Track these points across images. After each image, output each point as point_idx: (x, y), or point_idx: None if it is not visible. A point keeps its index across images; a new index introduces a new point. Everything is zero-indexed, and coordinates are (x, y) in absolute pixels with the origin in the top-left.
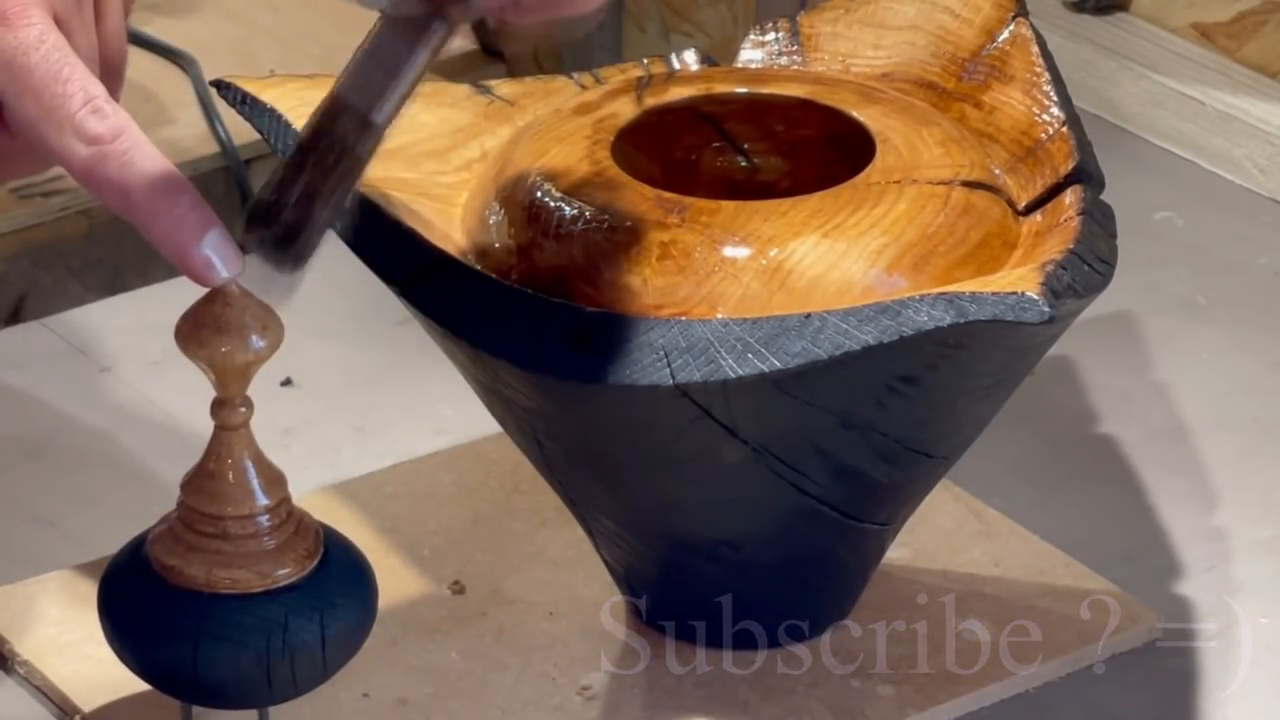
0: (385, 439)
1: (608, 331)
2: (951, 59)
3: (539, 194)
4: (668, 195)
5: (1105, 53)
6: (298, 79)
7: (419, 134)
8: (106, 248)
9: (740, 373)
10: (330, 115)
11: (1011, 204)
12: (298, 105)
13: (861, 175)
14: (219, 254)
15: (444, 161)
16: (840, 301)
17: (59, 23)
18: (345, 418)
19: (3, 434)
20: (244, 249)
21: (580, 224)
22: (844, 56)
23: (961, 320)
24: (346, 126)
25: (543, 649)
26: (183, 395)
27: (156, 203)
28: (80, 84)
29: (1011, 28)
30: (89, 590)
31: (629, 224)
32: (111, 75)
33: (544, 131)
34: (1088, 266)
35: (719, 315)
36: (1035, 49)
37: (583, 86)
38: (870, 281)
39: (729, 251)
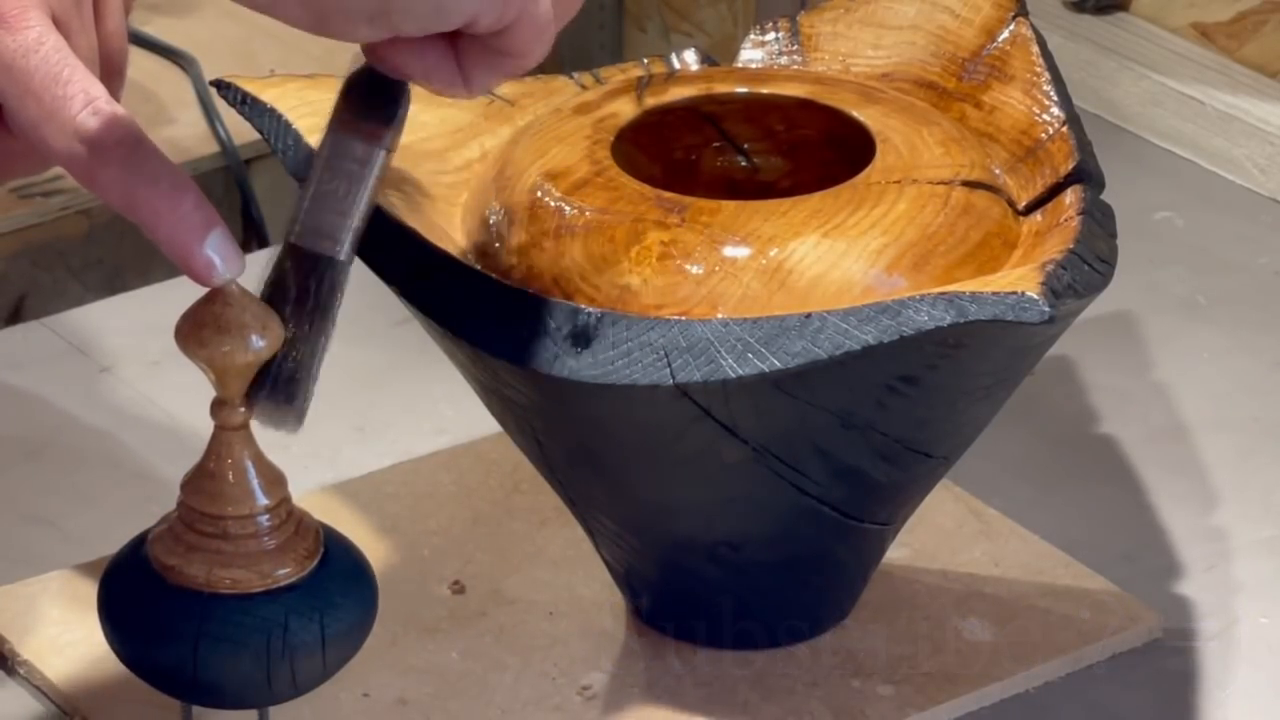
0: (385, 439)
1: (608, 331)
2: (951, 59)
3: (539, 194)
4: (668, 195)
5: (1105, 53)
6: (298, 79)
7: (419, 134)
8: (106, 248)
9: (740, 372)
10: (295, 266)
11: (1011, 204)
12: (298, 105)
13: (861, 175)
14: (220, 254)
15: (444, 161)
16: (840, 301)
17: (58, 24)
18: (345, 418)
19: (3, 434)
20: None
21: (580, 224)
22: (844, 56)
23: (961, 320)
24: (313, 273)
25: (543, 649)
26: (183, 395)
27: (159, 202)
28: (81, 85)
29: (1011, 27)
30: (89, 590)
31: (629, 224)
32: (112, 76)
33: (544, 131)
34: (1088, 266)
35: (719, 315)
36: (1035, 49)
37: (583, 86)
38: (870, 281)
39: (729, 251)
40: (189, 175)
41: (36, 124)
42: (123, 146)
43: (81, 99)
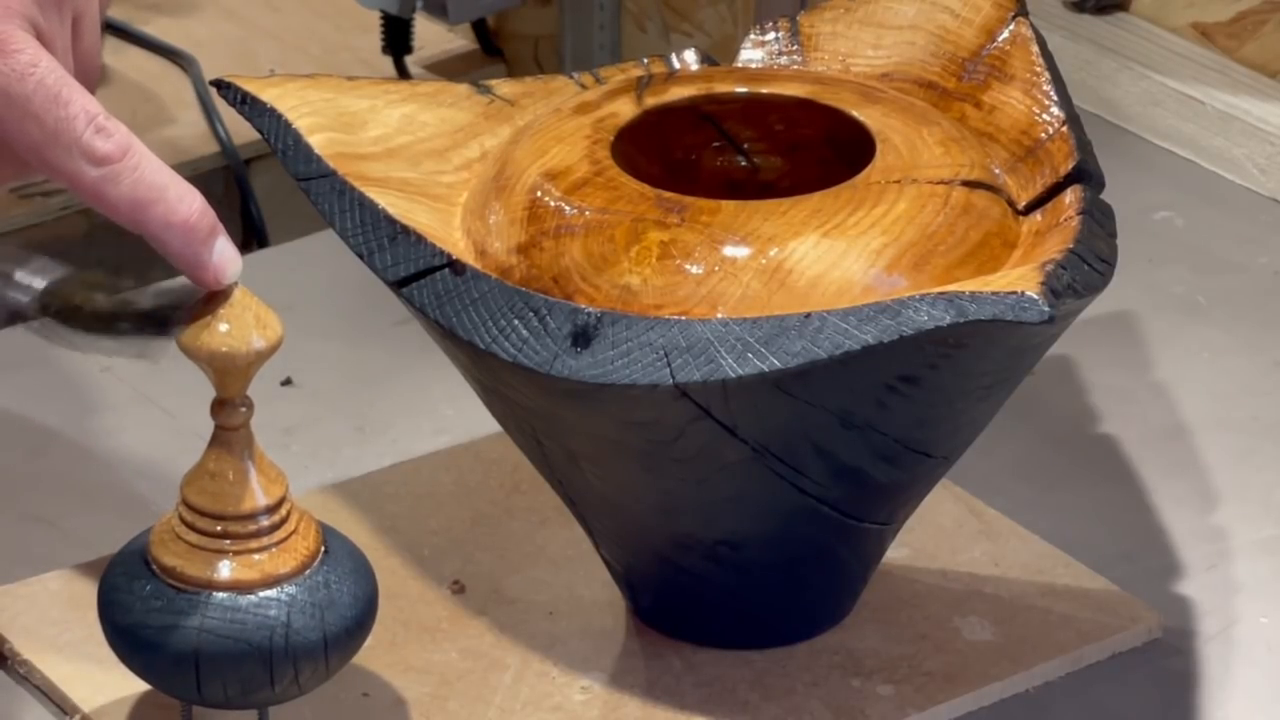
0: (385, 439)
1: (608, 331)
2: (951, 59)
3: (539, 194)
4: (668, 195)
5: (1105, 53)
6: (298, 79)
7: (419, 134)
8: (106, 248)
9: (740, 372)
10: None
11: (1011, 203)
12: (298, 105)
13: (861, 175)
14: (226, 259)
15: (444, 161)
16: (840, 301)
17: (43, 43)
18: (345, 418)
19: (3, 434)
20: None
21: (580, 224)
22: (844, 56)
23: (961, 320)
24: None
25: (543, 649)
26: (183, 395)
27: (170, 215)
28: (81, 104)
29: (1011, 27)
30: (89, 590)
31: (629, 224)
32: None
33: (544, 131)
34: (1088, 266)
35: (719, 315)
36: (1035, 49)
37: (583, 86)
38: (870, 281)
39: (729, 251)
40: (189, 182)
41: (39, 146)
42: (129, 162)
43: (84, 118)
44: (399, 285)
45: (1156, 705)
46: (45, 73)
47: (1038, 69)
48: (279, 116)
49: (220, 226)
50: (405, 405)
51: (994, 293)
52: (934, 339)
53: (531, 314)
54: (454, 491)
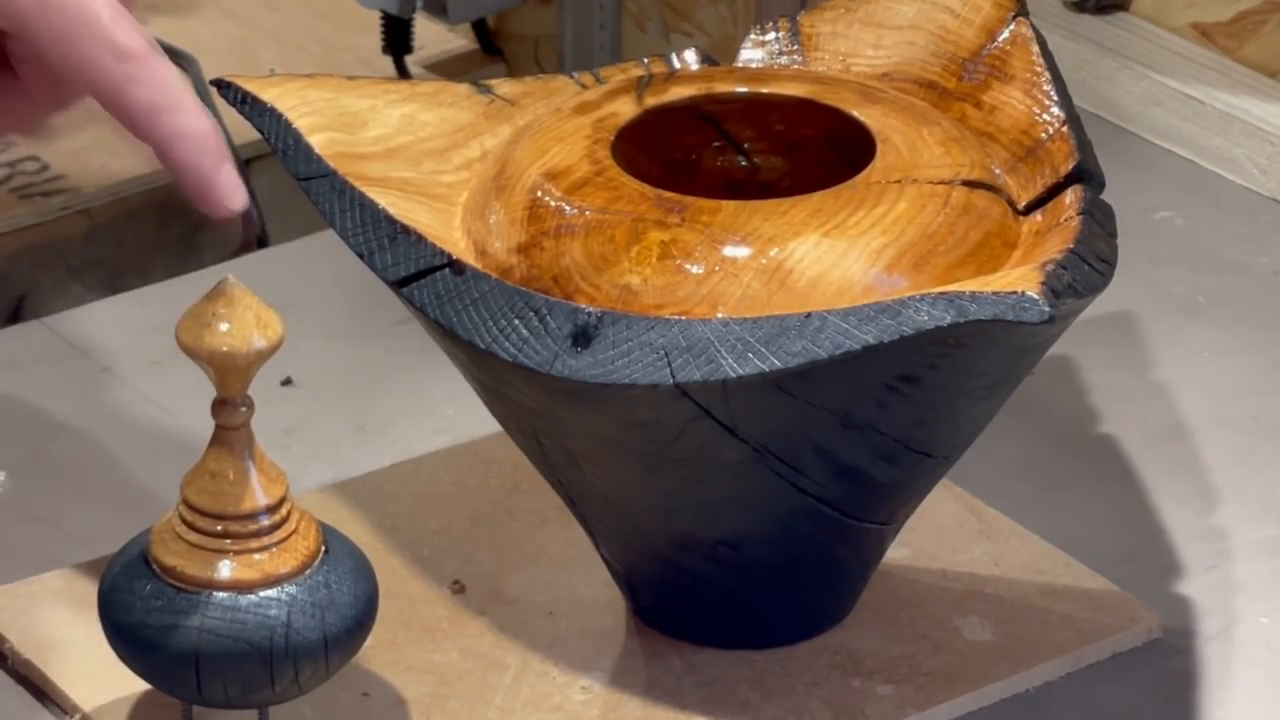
0: (385, 439)
1: (608, 331)
2: (952, 59)
3: (539, 194)
4: (668, 195)
5: (1105, 53)
6: (298, 79)
7: (419, 134)
8: (106, 248)
9: (740, 372)
10: None
11: (1012, 203)
12: (298, 105)
13: (861, 175)
14: (235, 184)
15: (444, 161)
16: (840, 301)
17: None
18: (345, 418)
19: (3, 434)
20: None
21: (580, 224)
22: (844, 56)
23: (961, 320)
24: None
25: (543, 649)
26: (183, 395)
27: (186, 125)
28: None
29: (1012, 27)
30: (89, 590)
31: (629, 224)
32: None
33: (544, 131)
34: (1088, 266)
35: (719, 315)
36: (1035, 48)
37: (583, 86)
38: (870, 281)
39: (729, 251)
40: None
41: (62, 39)
42: (150, 62)
43: (109, 12)
44: (399, 285)
45: (1156, 705)
46: None
47: (1038, 69)
48: (279, 116)
49: (228, 153)
50: (405, 405)
51: (994, 293)
52: (934, 339)
53: (532, 314)
54: (454, 491)
